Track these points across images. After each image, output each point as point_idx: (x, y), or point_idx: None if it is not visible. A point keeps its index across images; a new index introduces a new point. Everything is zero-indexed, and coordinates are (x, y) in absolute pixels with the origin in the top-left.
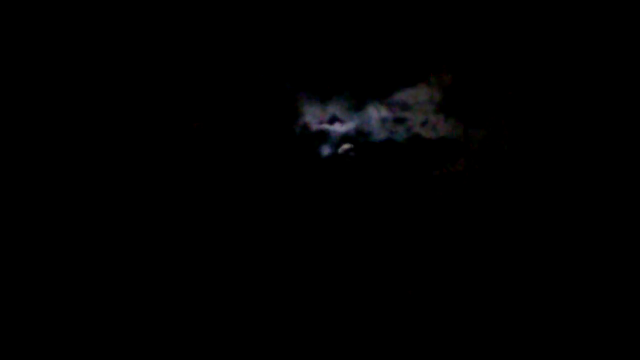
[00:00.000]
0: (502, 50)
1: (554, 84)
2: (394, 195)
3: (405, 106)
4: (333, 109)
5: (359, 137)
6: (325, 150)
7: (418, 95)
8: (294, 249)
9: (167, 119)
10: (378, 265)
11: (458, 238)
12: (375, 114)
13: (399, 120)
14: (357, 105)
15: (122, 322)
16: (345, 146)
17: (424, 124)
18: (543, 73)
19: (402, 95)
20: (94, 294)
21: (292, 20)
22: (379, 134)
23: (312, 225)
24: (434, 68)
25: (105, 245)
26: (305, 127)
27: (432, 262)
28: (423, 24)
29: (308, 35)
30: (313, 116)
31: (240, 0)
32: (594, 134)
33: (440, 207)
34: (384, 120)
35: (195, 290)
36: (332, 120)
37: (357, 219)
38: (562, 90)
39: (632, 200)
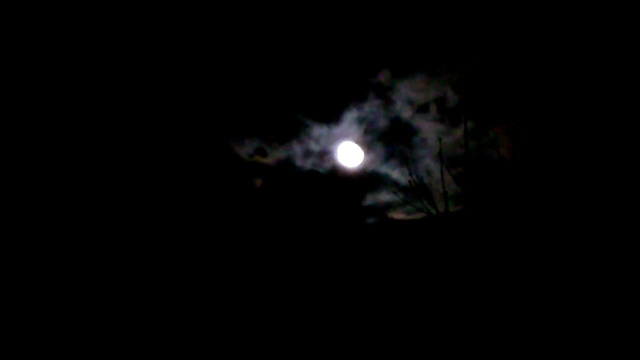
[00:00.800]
0: (420, 86)
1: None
2: (326, 223)
3: (326, 140)
4: (259, 142)
5: (286, 168)
6: (258, 182)
7: (338, 129)
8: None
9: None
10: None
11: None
12: (299, 147)
13: (321, 154)
14: (282, 139)
15: (118, 322)
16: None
17: (344, 157)
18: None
19: (322, 131)
20: (92, 291)
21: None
22: (304, 165)
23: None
24: (354, 104)
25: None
26: (237, 158)
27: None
28: (340, 65)
29: (235, 76)
30: (241, 148)
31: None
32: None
33: (369, 235)
34: (307, 153)
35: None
36: (262, 152)
37: (291, 244)
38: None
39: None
